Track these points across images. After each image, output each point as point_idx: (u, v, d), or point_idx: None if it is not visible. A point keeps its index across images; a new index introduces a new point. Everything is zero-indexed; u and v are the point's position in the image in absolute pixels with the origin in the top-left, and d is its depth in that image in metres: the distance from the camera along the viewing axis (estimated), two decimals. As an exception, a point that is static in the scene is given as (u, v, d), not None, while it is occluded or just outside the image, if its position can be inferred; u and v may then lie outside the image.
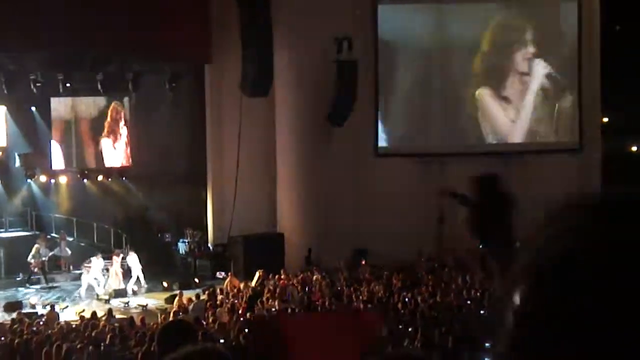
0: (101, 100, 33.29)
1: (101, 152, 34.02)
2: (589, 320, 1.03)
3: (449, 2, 32.16)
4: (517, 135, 32.78)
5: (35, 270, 30.34)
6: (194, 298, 24.07)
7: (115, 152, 34.16)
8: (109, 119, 33.64)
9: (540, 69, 32.31)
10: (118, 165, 34.28)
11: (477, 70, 32.31)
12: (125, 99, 33.88)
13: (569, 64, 32.52)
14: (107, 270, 29.02)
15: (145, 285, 29.28)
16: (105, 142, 33.93)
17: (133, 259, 29.37)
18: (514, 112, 32.56)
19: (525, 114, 32.53)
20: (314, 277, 25.01)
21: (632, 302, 1.03)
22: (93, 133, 33.98)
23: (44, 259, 30.50)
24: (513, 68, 32.36)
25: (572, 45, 32.42)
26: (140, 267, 29.28)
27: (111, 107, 33.58)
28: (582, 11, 32.23)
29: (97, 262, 29.07)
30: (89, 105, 33.51)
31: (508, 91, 32.47)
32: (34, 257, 30.25)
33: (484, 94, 32.36)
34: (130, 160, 34.28)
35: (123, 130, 34.17)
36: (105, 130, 33.75)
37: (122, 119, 34.36)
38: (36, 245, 30.59)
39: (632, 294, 1.03)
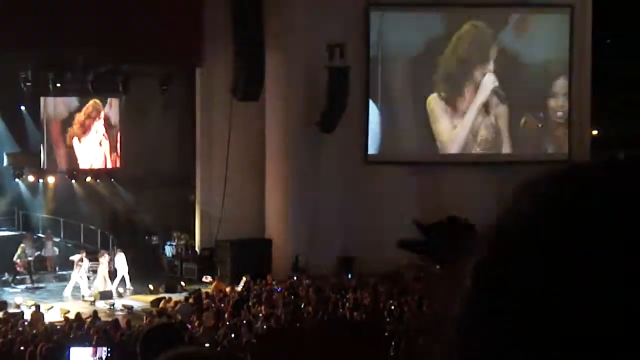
0: (88, 100, 33.12)
1: (82, 152, 33.85)
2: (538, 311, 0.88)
3: (444, 7, 32.13)
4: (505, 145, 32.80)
5: (21, 270, 30.27)
6: (180, 301, 24.04)
7: (95, 152, 33.95)
8: (83, 116, 33.43)
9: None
10: (98, 165, 34.08)
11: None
12: (113, 100, 33.76)
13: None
14: (94, 271, 28.96)
15: (131, 288, 29.21)
16: (84, 142, 33.72)
17: (120, 259, 29.28)
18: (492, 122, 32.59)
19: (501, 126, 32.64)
20: (302, 283, 24.98)
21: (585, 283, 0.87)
22: (75, 132, 33.81)
23: (29, 259, 30.41)
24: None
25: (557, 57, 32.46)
26: (126, 268, 29.21)
27: (88, 105, 33.33)
28: (574, 23, 32.24)
29: (83, 261, 29.01)
30: (77, 105, 33.35)
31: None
32: (19, 257, 30.16)
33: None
34: (119, 162, 34.16)
35: (106, 130, 33.95)
36: (84, 129, 33.57)
37: (102, 118, 34.11)
38: (22, 245, 30.51)
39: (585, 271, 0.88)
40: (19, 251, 30.23)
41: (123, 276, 29.16)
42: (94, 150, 33.73)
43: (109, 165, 34.23)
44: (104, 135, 33.67)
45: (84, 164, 33.58)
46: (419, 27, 32.06)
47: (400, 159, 32.14)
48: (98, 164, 33.99)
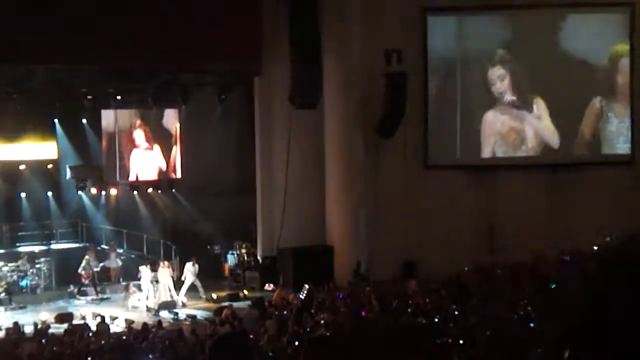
0: (148, 112, 33.40)
1: (143, 163, 34.10)
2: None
3: (501, 10, 31.86)
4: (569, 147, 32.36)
5: (86, 281, 30.59)
6: (243, 309, 24.09)
7: (158, 163, 34.22)
8: (143, 128, 33.70)
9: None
10: (159, 176, 34.35)
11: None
12: (173, 110, 34.00)
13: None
14: (157, 281, 29.15)
15: (203, 296, 29.37)
16: (144, 153, 34.00)
17: (191, 269, 29.45)
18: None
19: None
20: (363, 289, 24.89)
21: None
22: (136, 144, 34.08)
23: (94, 270, 30.75)
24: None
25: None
26: (194, 277, 29.41)
27: (148, 116, 33.62)
28: (634, 22, 31.80)
29: (146, 271, 29.24)
30: (137, 116, 33.64)
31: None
32: (84, 268, 30.52)
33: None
34: (180, 172, 34.38)
35: (166, 141, 34.21)
36: (144, 140, 33.83)
37: (162, 129, 34.39)
38: (86, 257, 30.87)
39: None
40: (83, 263, 30.58)
41: (192, 284, 29.35)
42: (154, 161, 33.96)
43: (170, 176, 34.46)
44: (164, 145, 33.88)
45: (144, 175, 33.82)
46: (479, 30, 31.84)
47: (460, 163, 31.96)
48: (159, 175, 34.22)
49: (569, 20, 31.76)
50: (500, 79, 31.78)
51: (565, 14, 31.87)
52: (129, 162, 33.36)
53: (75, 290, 30.40)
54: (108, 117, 32.68)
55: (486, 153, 32.00)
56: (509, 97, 31.78)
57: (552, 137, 32.01)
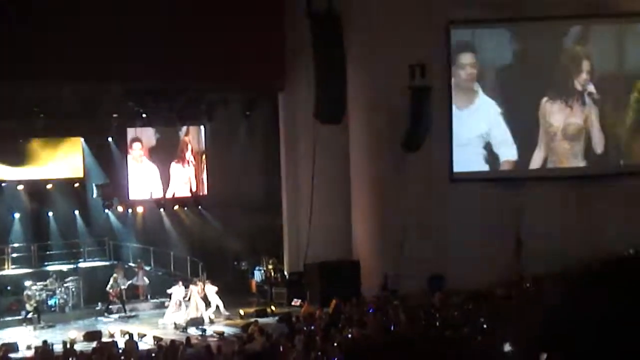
0: (173, 130, 33.55)
1: (169, 181, 34.24)
2: None
3: (524, 20, 31.77)
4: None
5: (114, 299, 30.67)
6: (270, 325, 24.08)
7: (185, 180, 34.36)
8: (169, 145, 33.88)
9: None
10: (187, 193, 34.48)
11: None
12: (198, 128, 34.15)
13: None
14: (186, 299, 29.21)
15: (226, 313, 29.37)
16: (170, 170, 34.15)
17: (211, 290, 29.50)
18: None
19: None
20: (391, 303, 24.84)
21: None
22: (162, 161, 34.21)
23: (122, 287, 30.83)
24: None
25: None
26: (217, 297, 29.41)
27: (174, 134, 33.82)
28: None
29: (177, 290, 29.30)
30: (163, 134, 33.79)
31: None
32: (112, 286, 30.60)
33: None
34: (206, 189, 34.48)
35: (191, 158, 34.39)
36: (170, 158, 34.00)
37: (192, 147, 34.58)
38: (114, 275, 30.97)
39: None
40: (111, 281, 30.68)
41: (217, 305, 29.37)
42: (180, 178, 34.10)
43: (196, 193, 34.57)
44: (190, 163, 34.02)
45: (171, 192, 33.96)
46: (504, 42, 31.81)
47: (486, 176, 31.86)
48: (185, 192, 34.33)
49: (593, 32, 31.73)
50: (522, 89, 31.75)
51: (586, 25, 31.83)
52: (155, 180, 33.49)
53: (104, 308, 30.49)
54: (134, 135, 32.83)
55: (512, 164, 31.88)
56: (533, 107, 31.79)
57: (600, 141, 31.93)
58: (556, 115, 31.82)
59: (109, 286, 30.69)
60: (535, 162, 32.01)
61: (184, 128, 34.23)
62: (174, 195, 34.65)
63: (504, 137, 31.79)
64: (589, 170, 31.82)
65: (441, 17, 30.95)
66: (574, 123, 31.82)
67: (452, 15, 31.23)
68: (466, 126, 31.66)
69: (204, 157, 34.57)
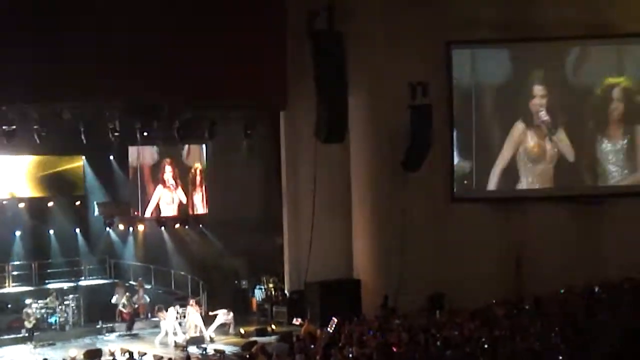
0: (174, 148, 33.55)
1: (170, 199, 34.21)
2: None
3: (523, 41, 31.80)
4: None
5: (127, 317, 30.80)
6: (270, 344, 24.03)
7: (182, 198, 34.31)
8: (170, 164, 33.89)
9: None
10: (185, 211, 34.44)
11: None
12: (199, 146, 34.17)
13: None
14: (185, 317, 29.18)
15: (213, 334, 29.26)
16: (171, 189, 34.14)
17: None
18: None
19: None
20: (392, 322, 24.79)
21: None
22: (162, 180, 34.19)
23: (135, 306, 31.03)
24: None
25: None
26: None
27: (175, 152, 33.83)
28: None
29: (173, 311, 29.25)
30: (163, 152, 33.78)
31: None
32: (124, 305, 31.01)
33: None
34: (207, 207, 34.47)
35: (192, 176, 34.39)
36: (171, 176, 33.99)
37: (189, 165, 34.54)
38: (127, 294, 31.25)
39: None
40: (124, 300, 30.92)
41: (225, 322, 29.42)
42: (180, 196, 34.07)
43: (197, 212, 34.57)
44: (190, 181, 34.01)
45: (171, 211, 33.95)
46: (505, 62, 31.88)
47: (486, 195, 31.88)
48: (185, 211, 34.32)
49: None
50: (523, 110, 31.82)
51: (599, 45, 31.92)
52: (156, 198, 33.49)
53: (125, 327, 30.63)
54: (134, 154, 32.85)
55: (514, 184, 31.90)
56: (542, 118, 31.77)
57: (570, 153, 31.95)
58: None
59: (121, 305, 30.90)
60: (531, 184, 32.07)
61: (186, 147, 34.21)
62: (176, 214, 34.56)
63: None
64: (593, 190, 31.82)
65: (442, 37, 31.01)
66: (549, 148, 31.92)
67: (452, 36, 31.28)
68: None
69: (204, 175, 34.53)
